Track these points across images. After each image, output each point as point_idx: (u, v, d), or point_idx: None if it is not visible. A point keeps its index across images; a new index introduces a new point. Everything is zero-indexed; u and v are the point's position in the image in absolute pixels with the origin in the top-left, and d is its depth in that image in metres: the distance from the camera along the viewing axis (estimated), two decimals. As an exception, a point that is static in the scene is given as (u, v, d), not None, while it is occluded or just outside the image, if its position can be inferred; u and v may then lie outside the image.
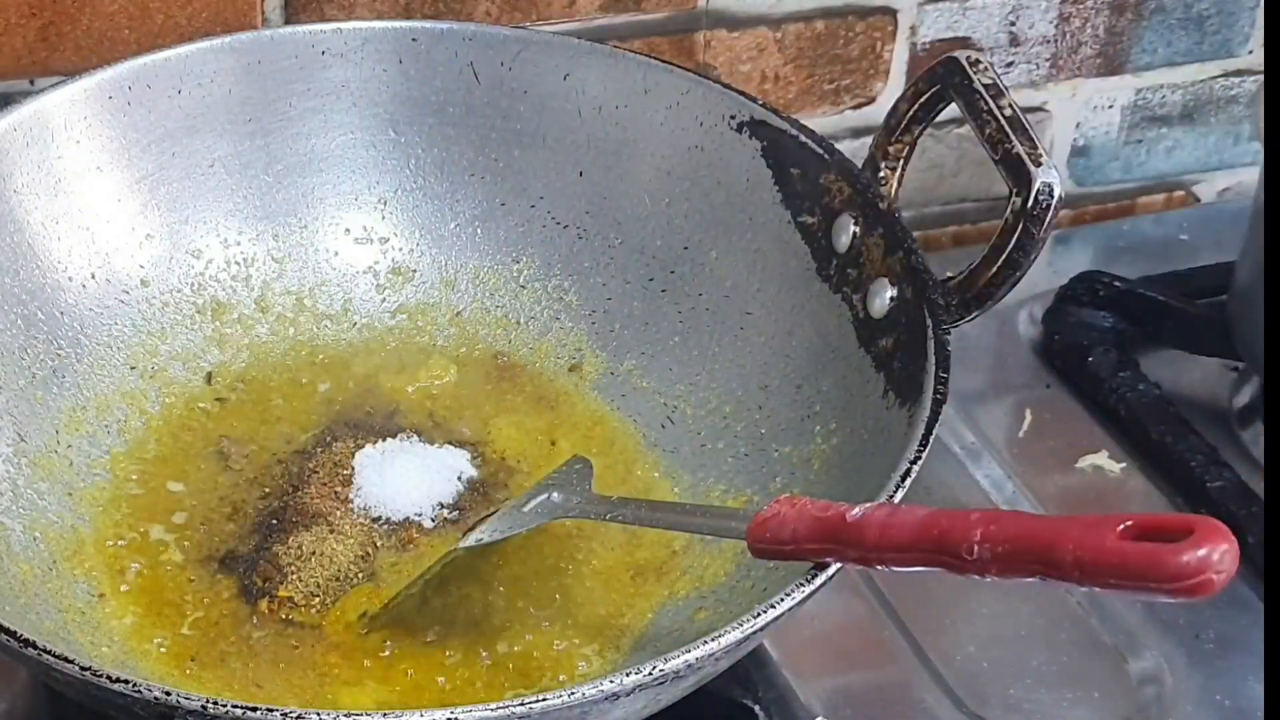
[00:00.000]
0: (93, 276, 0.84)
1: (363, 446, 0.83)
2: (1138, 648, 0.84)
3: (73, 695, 0.65)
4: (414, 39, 0.89)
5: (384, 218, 0.91)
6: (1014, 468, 0.93)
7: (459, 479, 0.82)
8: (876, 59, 1.05)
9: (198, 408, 0.86)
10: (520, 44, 0.88)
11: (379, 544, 0.79)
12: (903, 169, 0.81)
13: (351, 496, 0.81)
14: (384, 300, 0.91)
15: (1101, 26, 1.08)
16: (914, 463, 0.69)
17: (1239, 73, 1.13)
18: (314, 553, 0.78)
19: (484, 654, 0.75)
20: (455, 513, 0.81)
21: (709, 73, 1.00)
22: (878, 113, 1.05)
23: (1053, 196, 0.72)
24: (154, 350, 0.86)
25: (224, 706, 0.58)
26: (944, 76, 0.78)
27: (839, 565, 0.64)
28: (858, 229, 0.81)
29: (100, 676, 0.60)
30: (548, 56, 0.88)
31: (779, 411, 0.83)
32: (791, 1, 1.01)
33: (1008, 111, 0.75)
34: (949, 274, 0.76)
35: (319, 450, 0.83)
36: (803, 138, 0.83)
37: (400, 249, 0.91)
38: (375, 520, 0.80)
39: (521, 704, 0.59)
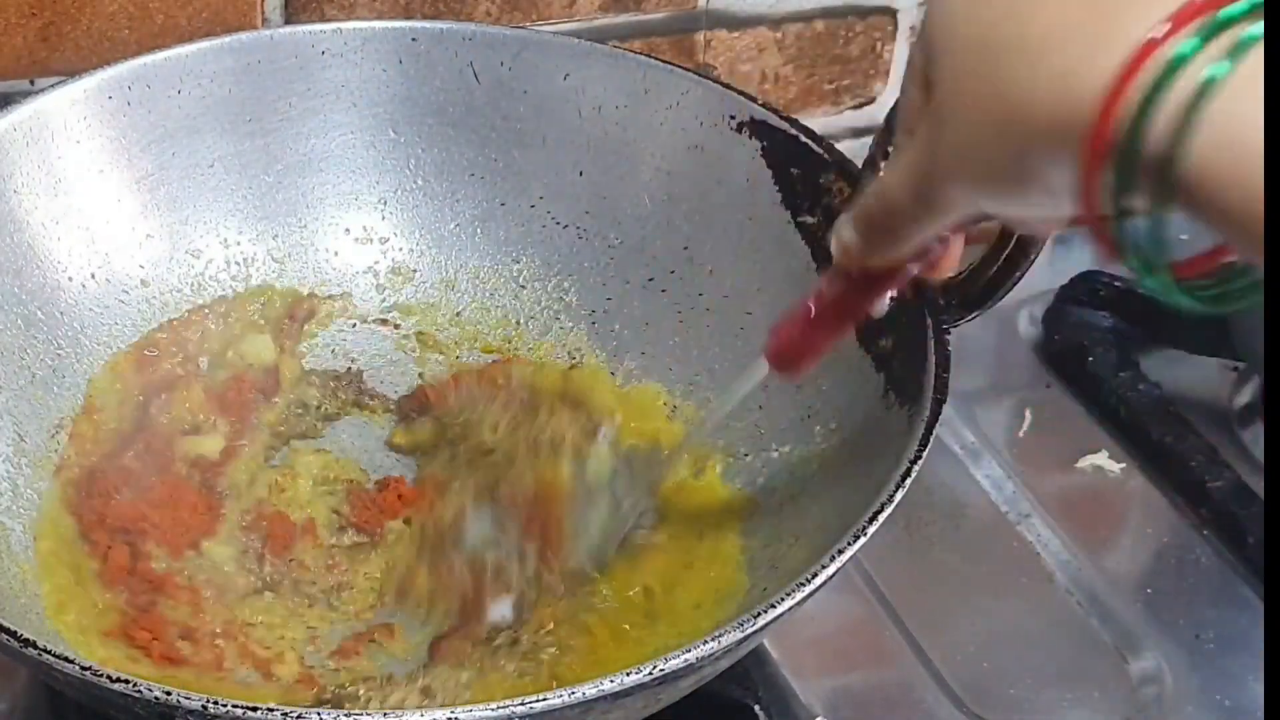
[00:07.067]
0: (93, 276, 0.84)
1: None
2: (1138, 648, 0.84)
3: (73, 695, 0.65)
4: (414, 39, 0.89)
5: (384, 218, 0.91)
6: (1014, 468, 0.93)
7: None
8: (876, 59, 1.05)
9: (198, 408, 0.86)
10: (520, 44, 0.88)
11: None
12: (903, 169, 0.81)
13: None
14: (384, 300, 0.91)
15: (1101, 26, 1.08)
16: (914, 463, 0.69)
17: (1239, 73, 1.13)
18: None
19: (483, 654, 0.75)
20: None
21: (709, 73, 1.00)
22: (878, 113, 1.05)
23: (1053, 196, 0.72)
24: (154, 350, 0.86)
25: (224, 706, 0.58)
26: (944, 76, 0.78)
27: (837, 568, 0.64)
28: (858, 229, 0.80)
29: (100, 676, 0.59)
30: (548, 56, 0.88)
31: (779, 411, 0.82)
32: (791, 1, 1.01)
33: (1008, 111, 0.75)
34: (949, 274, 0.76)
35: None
36: (803, 138, 0.83)
37: (400, 249, 0.91)
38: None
39: (521, 704, 0.59)
